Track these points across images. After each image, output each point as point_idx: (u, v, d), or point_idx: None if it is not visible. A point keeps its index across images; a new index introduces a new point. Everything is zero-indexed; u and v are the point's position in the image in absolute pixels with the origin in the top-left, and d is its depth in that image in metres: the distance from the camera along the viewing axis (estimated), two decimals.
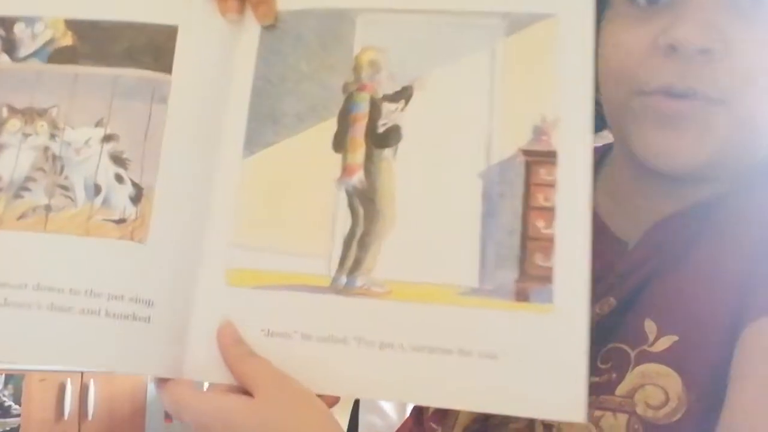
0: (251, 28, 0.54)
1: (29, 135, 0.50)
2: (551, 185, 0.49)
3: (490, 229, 0.50)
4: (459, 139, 0.52)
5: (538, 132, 0.50)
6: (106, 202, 0.50)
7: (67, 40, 0.52)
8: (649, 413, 0.58)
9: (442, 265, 0.50)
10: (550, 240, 0.48)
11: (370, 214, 0.52)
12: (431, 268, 0.50)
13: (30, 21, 0.52)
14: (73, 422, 2.69)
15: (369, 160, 0.52)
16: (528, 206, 0.50)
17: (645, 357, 0.58)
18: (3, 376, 2.63)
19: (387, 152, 0.52)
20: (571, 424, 0.61)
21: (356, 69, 0.53)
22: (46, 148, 0.50)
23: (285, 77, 0.54)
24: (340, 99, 0.53)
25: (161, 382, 0.50)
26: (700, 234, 0.61)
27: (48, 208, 0.49)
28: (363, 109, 0.53)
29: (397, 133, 0.52)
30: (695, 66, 0.54)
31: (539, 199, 0.49)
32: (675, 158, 0.57)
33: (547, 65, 0.51)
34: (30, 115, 0.50)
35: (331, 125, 0.53)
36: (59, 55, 0.52)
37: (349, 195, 0.52)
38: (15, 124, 0.50)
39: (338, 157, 0.52)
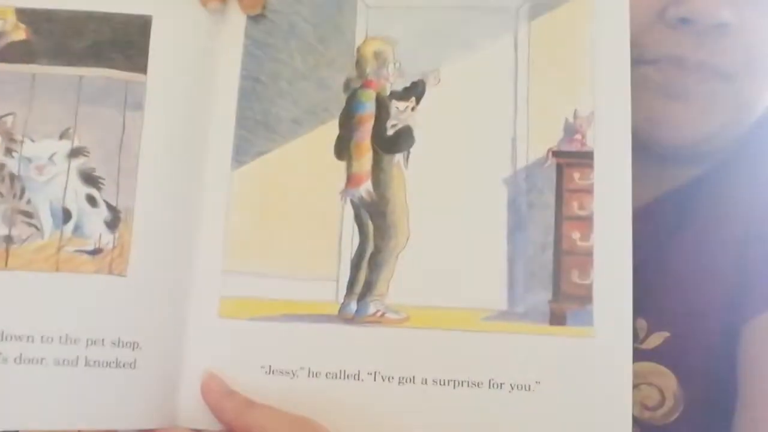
0: (236, 19, 0.48)
1: None
2: (587, 191, 0.45)
3: (519, 244, 0.45)
4: (479, 140, 0.46)
5: (571, 130, 0.45)
6: (77, 229, 0.43)
7: (20, 34, 0.45)
8: (646, 415, 0.57)
9: (465, 287, 0.45)
10: (587, 254, 0.44)
11: (380, 230, 0.46)
12: (453, 291, 0.45)
13: None
14: None
15: (377, 168, 0.47)
16: (561, 216, 0.45)
17: (637, 355, 0.56)
18: None
19: (398, 158, 0.47)
20: None
21: (359, 63, 0.48)
22: (2, 166, 0.43)
23: (277, 75, 0.48)
24: (341, 98, 0.47)
25: None
26: (683, 221, 0.60)
27: (9, 240, 0.42)
28: (368, 109, 0.47)
29: (408, 135, 0.47)
30: (708, 39, 0.53)
31: (574, 207, 0.45)
32: (678, 130, 0.56)
33: (578, 51, 0.46)
34: None
35: (332, 129, 0.47)
36: (11, 53, 0.44)
37: (356, 208, 0.46)
38: None
39: (341, 165, 0.47)
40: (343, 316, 0.45)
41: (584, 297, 0.43)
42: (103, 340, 0.42)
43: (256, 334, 0.45)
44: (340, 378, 0.44)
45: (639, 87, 0.53)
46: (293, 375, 0.44)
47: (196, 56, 0.46)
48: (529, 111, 0.46)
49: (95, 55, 0.44)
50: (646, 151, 0.56)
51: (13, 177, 0.43)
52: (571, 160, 0.45)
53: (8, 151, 0.43)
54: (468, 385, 0.43)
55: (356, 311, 0.45)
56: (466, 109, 0.46)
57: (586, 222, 0.44)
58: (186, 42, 0.46)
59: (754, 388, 0.54)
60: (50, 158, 0.42)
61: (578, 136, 0.45)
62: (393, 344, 0.44)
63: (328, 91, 0.47)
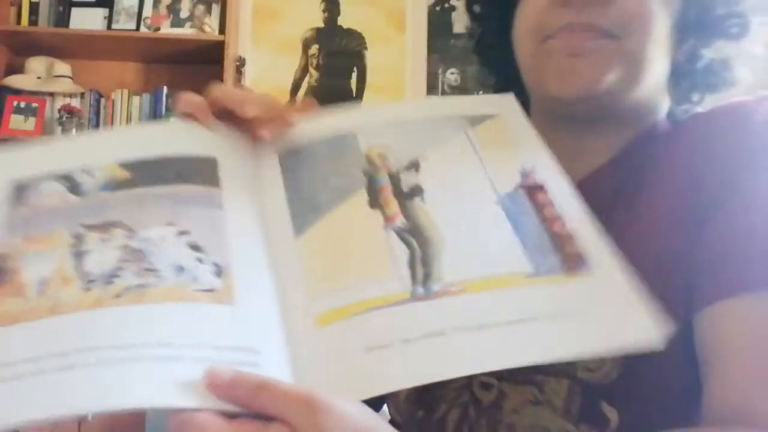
0: (270, 158, 0.65)
1: (108, 240, 0.53)
2: (551, 204, 0.61)
3: (525, 234, 0.58)
4: (469, 183, 0.62)
5: (525, 174, 0.63)
6: (194, 278, 0.52)
7: (124, 175, 0.59)
8: (587, 375, 0.64)
9: (500, 263, 0.57)
10: (570, 236, 0.58)
11: (421, 241, 0.58)
12: (492, 265, 0.56)
13: (86, 168, 0.59)
14: (72, 422, 2.48)
15: (404, 208, 0.60)
16: (543, 218, 0.60)
17: None
18: None
19: (416, 200, 0.61)
20: (513, 387, 0.65)
21: (369, 160, 0.64)
22: (126, 246, 0.53)
23: (312, 186, 0.63)
24: (363, 180, 0.63)
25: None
26: (622, 195, 0.69)
27: (142, 286, 0.51)
28: (385, 182, 0.62)
29: (419, 187, 0.62)
30: (591, 8, 0.67)
31: (547, 213, 0.60)
32: (577, 82, 0.67)
33: (509, 142, 0.66)
34: (104, 227, 0.54)
35: (362, 195, 0.61)
36: (120, 186, 0.58)
37: (398, 233, 0.58)
38: (92, 235, 0.54)
39: (377, 212, 0.60)
40: (415, 298, 0.54)
41: (580, 258, 0.57)
42: (228, 346, 0.49)
43: (351, 328, 0.52)
44: (428, 337, 0.51)
45: (548, 56, 0.69)
46: (389, 346, 0.51)
47: (251, 176, 0.62)
48: (494, 168, 0.64)
49: (182, 178, 0.58)
50: (566, 116, 0.69)
51: (136, 250, 0.53)
52: (532, 189, 0.62)
53: (129, 236, 0.53)
54: (529, 321, 0.52)
55: (424, 292, 0.54)
56: (452, 168, 0.63)
57: (560, 220, 0.59)
58: (243, 170, 0.62)
59: (722, 369, 0.58)
60: (162, 238, 0.53)
61: (531, 176, 0.63)
62: (464, 306, 0.53)
63: (352, 179, 0.62)
